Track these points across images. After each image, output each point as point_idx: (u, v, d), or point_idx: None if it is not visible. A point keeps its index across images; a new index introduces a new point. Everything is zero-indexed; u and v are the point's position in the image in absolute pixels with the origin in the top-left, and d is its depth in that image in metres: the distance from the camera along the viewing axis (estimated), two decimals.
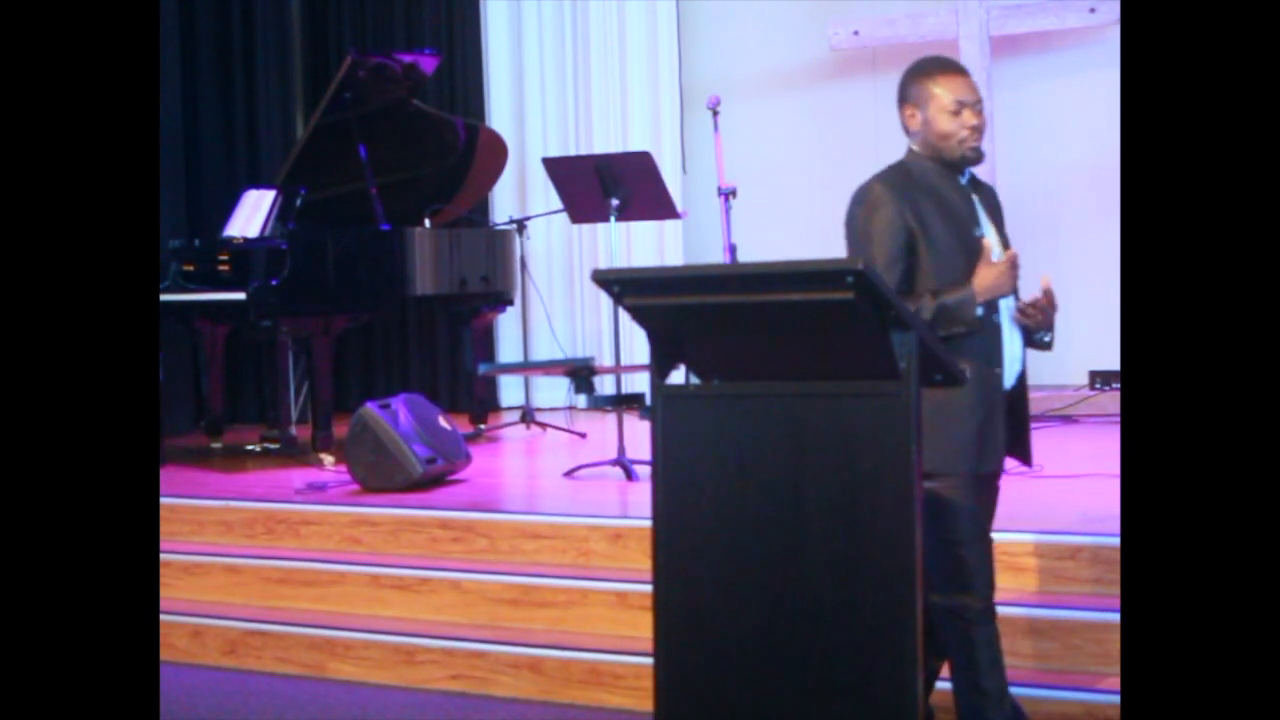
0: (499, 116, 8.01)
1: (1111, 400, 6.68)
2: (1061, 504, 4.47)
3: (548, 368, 6.18)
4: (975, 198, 3.20)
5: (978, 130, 3.13)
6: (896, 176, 3.20)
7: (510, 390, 8.13)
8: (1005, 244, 3.20)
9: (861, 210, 3.16)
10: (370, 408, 5.35)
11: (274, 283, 5.89)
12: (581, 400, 7.22)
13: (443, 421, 5.59)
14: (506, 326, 7.98)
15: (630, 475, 5.36)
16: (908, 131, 3.25)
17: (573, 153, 7.64)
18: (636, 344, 6.73)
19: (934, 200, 3.13)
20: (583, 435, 6.65)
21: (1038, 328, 3.17)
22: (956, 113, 3.13)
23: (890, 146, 7.58)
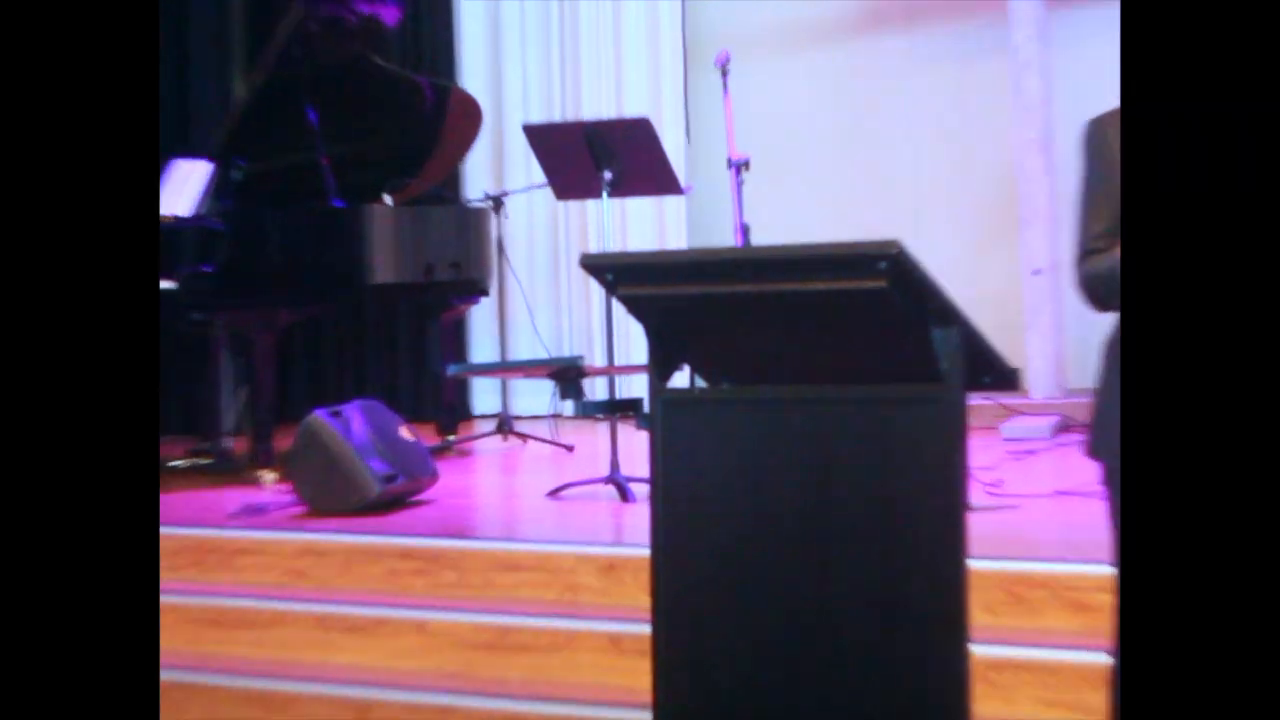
0: (472, 76, 8.05)
1: None
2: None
3: (529, 369, 6.18)
4: None
5: None
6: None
7: (484, 395, 8.16)
8: None
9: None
10: (319, 416, 5.35)
11: (207, 269, 5.90)
12: (568, 407, 7.29)
13: (404, 432, 5.59)
14: (480, 321, 8.03)
15: (625, 496, 5.36)
16: None
17: (558, 118, 7.68)
18: (633, 341, 6.74)
19: None
20: (569, 448, 6.67)
21: None
22: None
23: (928, 110, 7.54)
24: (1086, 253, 3.00)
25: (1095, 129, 3.03)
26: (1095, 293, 3.02)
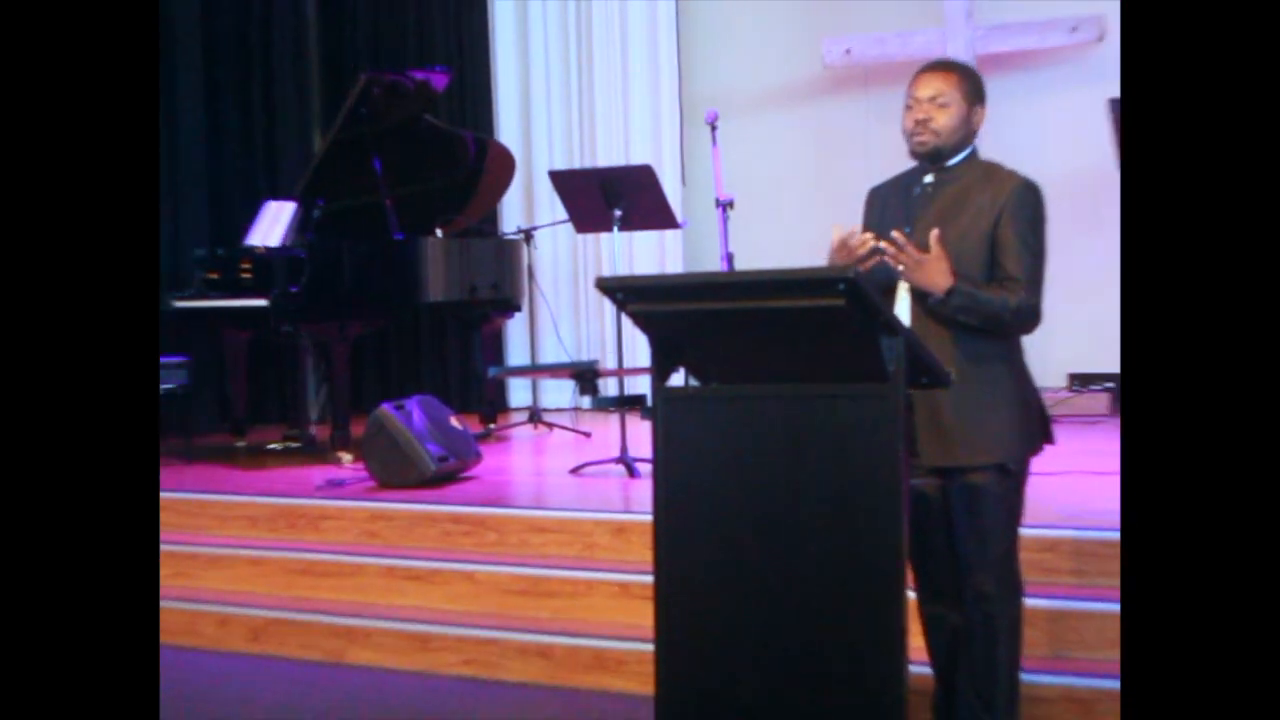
0: (507, 130, 8.04)
1: (1090, 401, 6.73)
2: (1042, 499, 4.48)
3: (554, 370, 6.20)
4: (929, 195, 3.09)
5: (921, 124, 3.07)
6: (888, 181, 3.23)
7: (518, 392, 8.15)
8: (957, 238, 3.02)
9: None
10: (386, 408, 5.38)
11: (294, 290, 5.91)
12: (586, 401, 7.30)
13: (454, 421, 5.61)
14: (515, 331, 8.01)
15: (633, 472, 5.38)
16: None
17: (577, 165, 7.67)
18: (638, 348, 6.76)
19: (903, 200, 3.13)
20: (587, 435, 6.66)
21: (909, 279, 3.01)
22: (908, 108, 3.11)
23: (881, 160, 7.61)
24: None
25: (871, 196, 3.22)
26: None
